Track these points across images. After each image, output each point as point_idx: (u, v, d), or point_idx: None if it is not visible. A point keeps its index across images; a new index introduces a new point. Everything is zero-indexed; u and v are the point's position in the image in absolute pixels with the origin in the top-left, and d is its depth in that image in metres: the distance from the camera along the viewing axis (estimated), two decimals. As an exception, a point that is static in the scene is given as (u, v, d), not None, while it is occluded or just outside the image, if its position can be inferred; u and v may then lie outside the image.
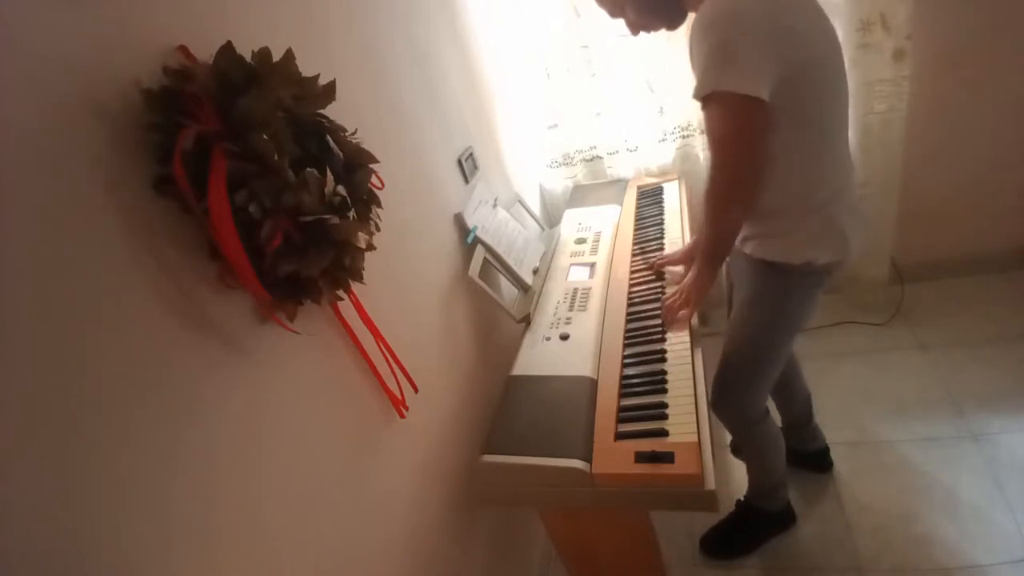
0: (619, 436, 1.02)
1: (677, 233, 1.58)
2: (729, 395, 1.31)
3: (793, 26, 0.92)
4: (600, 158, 2.06)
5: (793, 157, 1.01)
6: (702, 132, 1.89)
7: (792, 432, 1.56)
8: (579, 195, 1.98)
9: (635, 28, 1.15)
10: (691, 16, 1.07)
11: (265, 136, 0.60)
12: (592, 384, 1.14)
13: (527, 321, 1.38)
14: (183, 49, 0.62)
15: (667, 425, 1.01)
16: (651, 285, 1.40)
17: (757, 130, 0.95)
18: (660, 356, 1.17)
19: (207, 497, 0.61)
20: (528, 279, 1.47)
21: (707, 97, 0.94)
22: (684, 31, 1.09)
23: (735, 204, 1.03)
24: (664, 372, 1.13)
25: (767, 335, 1.21)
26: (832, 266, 1.10)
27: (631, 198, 1.85)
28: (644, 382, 1.12)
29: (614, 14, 1.16)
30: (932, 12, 1.65)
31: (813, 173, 1.04)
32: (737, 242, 1.15)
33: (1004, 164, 1.90)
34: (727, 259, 1.20)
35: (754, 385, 1.28)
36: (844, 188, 1.09)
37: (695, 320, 1.23)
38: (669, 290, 1.35)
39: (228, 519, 0.63)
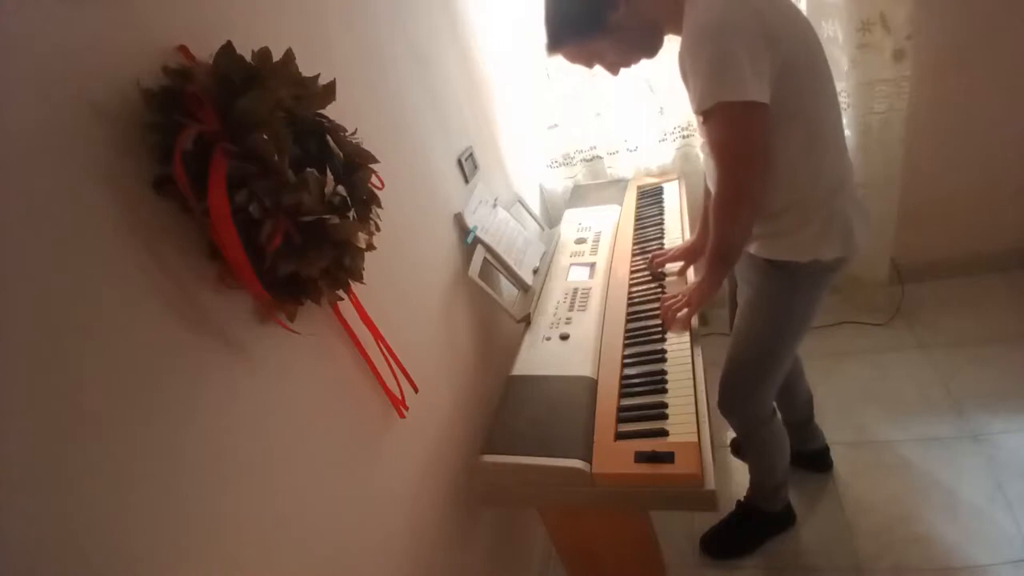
0: (619, 436, 1.02)
1: (677, 233, 1.58)
2: (737, 397, 1.31)
3: (776, 22, 0.93)
4: (600, 158, 2.06)
5: (790, 152, 1.02)
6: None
7: (792, 431, 1.56)
8: (579, 195, 1.98)
9: (615, 68, 1.15)
10: (668, 39, 1.09)
11: (265, 136, 0.60)
12: (592, 384, 1.14)
13: (527, 321, 1.38)
14: (183, 49, 0.62)
15: (667, 425, 1.01)
16: (651, 285, 1.40)
17: (763, 134, 0.95)
18: (660, 356, 1.17)
19: (208, 497, 0.61)
20: (528, 279, 1.47)
21: (709, 110, 0.94)
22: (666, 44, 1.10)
23: (747, 209, 1.03)
24: (664, 372, 1.13)
25: (774, 336, 1.20)
26: (838, 263, 1.10)
27: (631, 198, 1.85)
28: (644, 382, 1.12)
29: (591, 65, 1.15)
30: (932, 12, 1.65)
31: (812, 167, 1.04)
32: None
33: (1004, 164, 1.90)
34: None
35: (762, 386, 1.28)
36: (845, 181, 1.09)
37: (695, 321, 1.23)
38: (670, 290, 1.35)
39: (229, 519, 0.63)
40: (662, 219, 1.67)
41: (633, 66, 1.14)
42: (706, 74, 0.92)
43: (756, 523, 1.52)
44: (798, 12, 1.03)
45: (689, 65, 0.97)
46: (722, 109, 0.93)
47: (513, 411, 1.13)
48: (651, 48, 1.11)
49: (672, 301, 1.23)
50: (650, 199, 1.81)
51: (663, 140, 1.95)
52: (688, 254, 1.41)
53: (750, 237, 1.10)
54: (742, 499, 1.54)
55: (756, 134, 0.95)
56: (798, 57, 0.96)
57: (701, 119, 0.99)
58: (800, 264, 1.09)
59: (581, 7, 1.07)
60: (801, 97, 0.99)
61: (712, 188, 1.19)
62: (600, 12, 1.05)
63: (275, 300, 0.67)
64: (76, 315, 0.50)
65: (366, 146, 0.78)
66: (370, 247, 0.78)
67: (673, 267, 1.43)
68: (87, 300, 0.51)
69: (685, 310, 1.22)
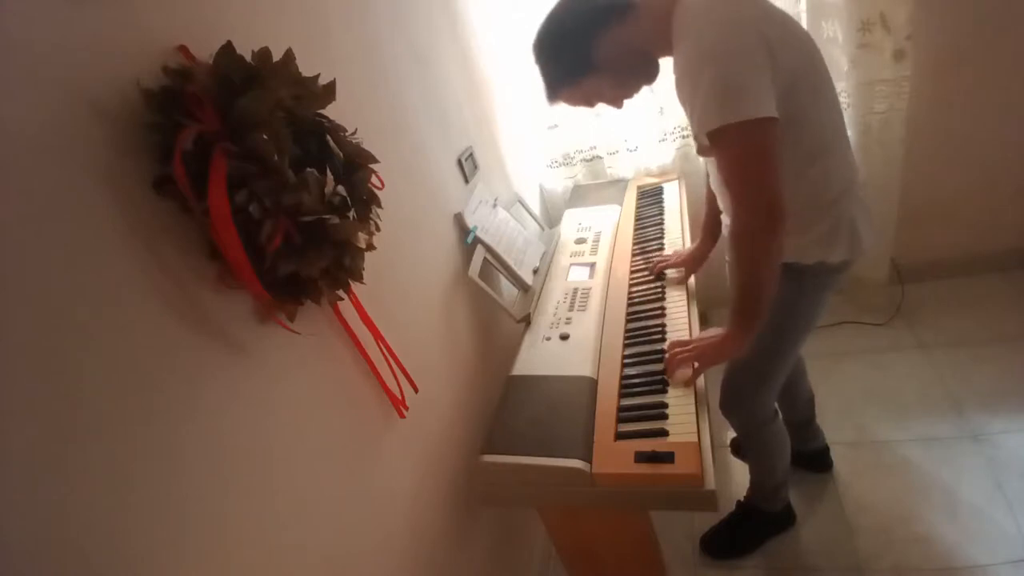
0: (619, 436, 1.02)
1: (677, 233, 1.58)
2: (739, 398, 1.30)
3: (773, 33, 0.91)
4: (600, 158, 2.06)
5: (795, 159, 1.00)
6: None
7: (793, 431, 1.56)
8: (579, 195, 1.98)
9: (617, 102, 1.13)
10: (662, 60, 1.07)
11: (265, 136, 0.60)
12: (592, 384, 1.14)
13: (527, 321, 1.38)
14: (183, 49, 0.62)
15: (667, 425, 1.01)
16: (651, 285, 1.40)
17: (776, 149, 0.92)
18: (660, 356, 1.16)
19: (208, 497, 0.61)
20: (528, 279, 1.47)
21: (717, 132, 0.90)
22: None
23: (777, 234, 0.94)
24: (664, 372, 1.13)
25: (777, 337, 1.19)
26: (844, 265, 1.10)
27: (631, 198, 1.85)
28: (644, 382, 1.12)
29: (591, 103, 1.13)
30: (932, 12, 1.65)
31: (817, 172, 1.03)
32: None
33: (1004, 164, 1.90)
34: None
35: (764, 387, 1.27)
36: (851, 183, 1.09)
37: (700, 380, 1.11)
38: (670, 293, 1.34)
39: (229, 519, 0.63)
40: (662, 219, 1.67)
41: (635, 96, 1.12)
42: (711, 96, 0.89)
43: (756, 523, 1.52)
44: (794, 21, 1.01)
45: (688, 89, 0.93)
46: (731, 131, 0.89)
47: (513, 411, 1.13)
48: (648, 75, 1.09)
49: (680, 351, 1.11)
50: (650, 199, 1.81)
51: (663, 140, 1.94)
52: (690, 262, 1.40)
53: (778, 269, 0.99)
54: (742, 499, 1.54)
55: (771, 149, 0.90)
56: (798, 65, 0.95)
57: (699, 144, 0.96)
58: (806, 266, 1.08)
59: (567, 52, 1.06)
60: (803, 104, 0.97)
61: (725, 209, 1.18)
62: (587, 53, 1.04)
63: (275, 300, 0.67)
64: (76, 315, 0.50)
65: (366, 146, 0.78)
66: (370, 247, 0.78)
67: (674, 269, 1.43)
68: (87, 300, 0.51)
69: (694, 365, 1.10)
